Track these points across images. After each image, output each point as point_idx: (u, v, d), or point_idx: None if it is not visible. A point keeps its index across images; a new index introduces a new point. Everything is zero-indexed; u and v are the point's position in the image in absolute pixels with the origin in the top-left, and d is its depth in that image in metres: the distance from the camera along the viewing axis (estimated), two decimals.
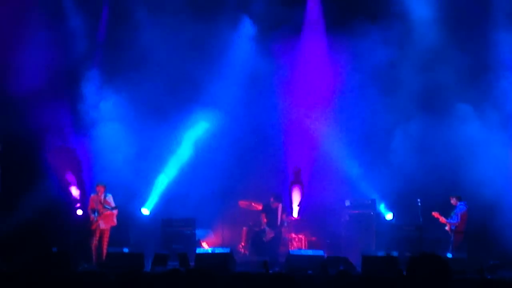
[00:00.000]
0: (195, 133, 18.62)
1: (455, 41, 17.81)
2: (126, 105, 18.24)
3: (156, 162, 18.45)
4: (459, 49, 17.70)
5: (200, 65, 18.35)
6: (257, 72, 18.57)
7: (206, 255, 15.21)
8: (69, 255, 13.88)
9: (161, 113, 18.20)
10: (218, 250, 15.41)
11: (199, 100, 18.40)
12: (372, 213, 17.89)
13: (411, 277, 5.71)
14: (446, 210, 16.47)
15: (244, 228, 18.16)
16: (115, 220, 16.41)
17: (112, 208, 16.31)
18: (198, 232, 17.87)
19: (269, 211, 17.90)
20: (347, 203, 18.06)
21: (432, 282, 5.63)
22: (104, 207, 16.25)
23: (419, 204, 16.95)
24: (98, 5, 18.87)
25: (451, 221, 16.22)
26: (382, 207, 18.16)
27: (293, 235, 17.91)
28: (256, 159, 18.63)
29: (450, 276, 5.71)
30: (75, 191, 17.96)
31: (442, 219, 16.25)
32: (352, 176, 18.20)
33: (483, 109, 17.64)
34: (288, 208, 18.13)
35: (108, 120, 18.18)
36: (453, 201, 16.43)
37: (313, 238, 18.13)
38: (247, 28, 18.89)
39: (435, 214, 16.30)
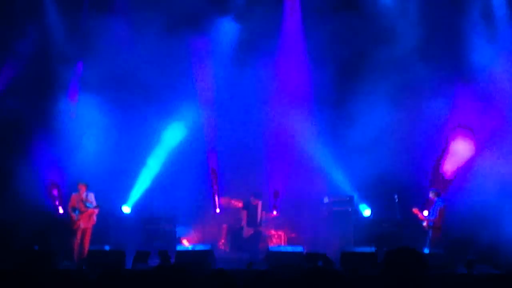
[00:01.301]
0: (175, 132, 18.67)
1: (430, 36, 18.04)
2: (107, 102, 18.11)
3: (137, 160, 18.44)
4: (435, 44, 17.95)
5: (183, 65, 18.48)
6: (236, 71, 18.65)
7: (186, 252, 15.27)
8: (50, 253, 13.94)
9: (142, 111, 18.23)
10: (199, 247, 15.48)
11: (180, 99, 18.45)
12: (350, 209, 17.99)
13: (387, 271, 5.78)
14: (423, 205, 16.60)
15: (224, 225, 18.26)
16: (95, 218, 16.48)
17: (94, 207, 16.36)
18: (179, 229, 17.94)
19: (249, 209, 18.01)
20: (326, 199, 18.19)
21: (408, 276, 5.70)
22: (86, 206, 16.28)
23: (397, 199, 17.15)
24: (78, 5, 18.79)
25: (429, 217, 16.30)
26: (360, 204, 18.30)
27: (273, 232, 18.04)
28: (236, 157, 18.71)
29: (426, 269, 5.78)
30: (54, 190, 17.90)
31: (421, 216, 16.33)
32: (330, 173, 18.30)
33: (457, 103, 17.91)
34: (268, 206, 18.27)
35: (88, 117, 18.09)
36: (431, 195, 16.49)
37: (293, 235, 18.27)
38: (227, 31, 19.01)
39: (415, 210, 16.35)
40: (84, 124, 18.06)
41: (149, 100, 18.28)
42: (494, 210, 16.78)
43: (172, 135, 18.60)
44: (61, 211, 17.63)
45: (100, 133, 17.97)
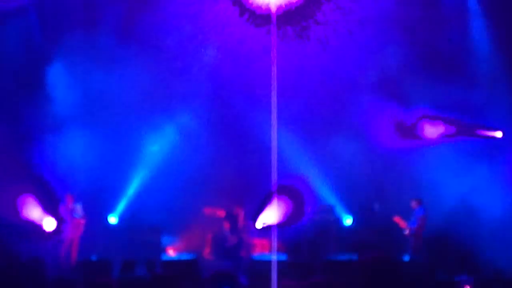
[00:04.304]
0: (161, 142, 18.85)
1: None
2: (93, 112, 18.24)
3: (123, 170, 18.50)
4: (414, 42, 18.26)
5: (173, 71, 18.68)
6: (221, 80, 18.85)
7: (172, 261, 15.40)
8: (42, 263, 14.07)
9: (129, 120, 18.39)
10: (184, 257, 15.61)
11: (166, 108, 18.65)
12: (332, 218, 18.20)
13: (363, 279, 6.00)
14: (404, 214, 16.75)
15: (209, 235, 18.40)
16: (82, 228, 16.67)
17: (81, 217, 16.55)
18: (165, 239, 18.10)
19: (232, 218, 18.15)
20: (309, 208, 18.39)
21: (384, 283, 5.90)
22: (73, 216, 16.49)
23: (377, 209, 17.38)
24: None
25: (411, 225, 16.50)
26: (341, 212, 18.50)
27: (256, 241, 18.22)
28: (221, 167, 18.84)
29: (401, 276, 5.97)
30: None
31: (403, 224, 16.54)
32: (312, 182, 18.49)
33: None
34: (250, 215, 18.45)
35: (74, 127, 18.18)
36: (413, 204, 16.61)
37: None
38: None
39: (397, 219, 16.59)
40: (70, 134, 18.19)
41: (134, 111, 18.45)
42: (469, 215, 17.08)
43: (157, 146, 18.75)
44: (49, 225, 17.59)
45: (86, 144, 18.03)
